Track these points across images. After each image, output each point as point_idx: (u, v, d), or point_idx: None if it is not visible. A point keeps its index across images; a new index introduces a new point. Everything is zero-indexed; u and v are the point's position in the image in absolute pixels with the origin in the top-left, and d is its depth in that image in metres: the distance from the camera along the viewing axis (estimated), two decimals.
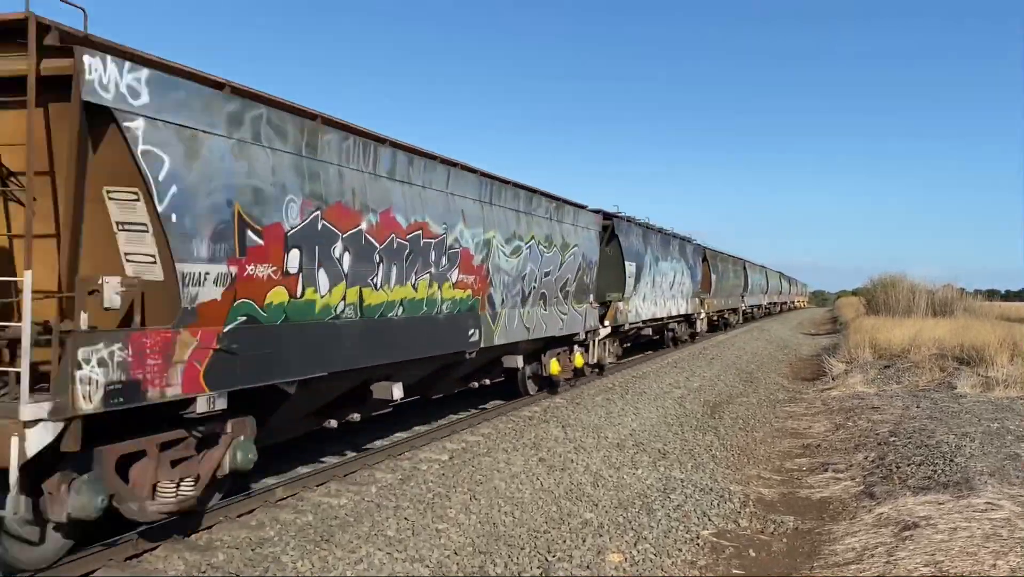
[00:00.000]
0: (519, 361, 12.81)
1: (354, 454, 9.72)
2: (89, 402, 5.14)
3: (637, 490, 8.66)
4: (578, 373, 16.06)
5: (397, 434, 11.06)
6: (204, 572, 5.93)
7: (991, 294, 48.69)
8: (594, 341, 16.47)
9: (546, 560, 6.37)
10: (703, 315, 29.25)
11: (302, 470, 8.91)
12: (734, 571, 6.57)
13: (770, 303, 60.47)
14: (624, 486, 8.79)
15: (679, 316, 25.43)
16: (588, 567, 6.25)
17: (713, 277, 30.80)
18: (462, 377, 11.98)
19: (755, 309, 49.81)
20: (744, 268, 42.21)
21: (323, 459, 9.50)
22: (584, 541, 6.83)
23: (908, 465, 9.65)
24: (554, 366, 14.18)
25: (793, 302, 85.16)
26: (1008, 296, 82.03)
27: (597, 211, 17.02)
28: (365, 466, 9.14)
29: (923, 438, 11.12)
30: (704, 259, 29.88)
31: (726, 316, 37.14)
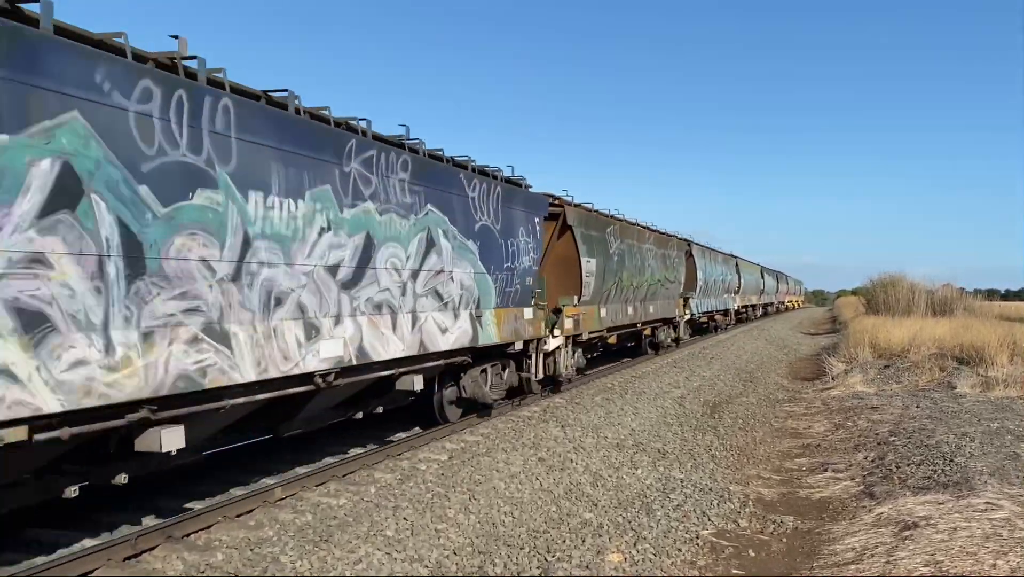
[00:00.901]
0: None
1: (353, 453, 9.71)
2: None
3: (636, 490, 8.65)
4: None
5: (396, 434, 11.05)
6: (203, 572, 5.92)
7: (991, 293, 48.37)
8: None
9: (545, 560, 6.36)
10: (559, 341, 13.99)
11: (300, 470, 8.90)
12: (734, 571, 6.56)
13: (746, 306, 43.94)
14: (623, 486, 8.79)
15: (451, 353, 10.48)
16: (587, 567, 6.24)
17: (589, 267, 15.39)
18: None
19: (716, 316, 33.94)
20: (688, 255, 26.92)
21: (322, 459, 9.50)
22: (584, 541, 6.83)
23: (908, 465, 9.64)
24: None
25: (783, 302, 71.18)
26: (1008, 296, 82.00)
27: None
28: (364, 466, 9.13)
29: (923, 438, 11.11)
30: (563, 228, 14.97)
31: (649, 333, 22.56)
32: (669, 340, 24.53)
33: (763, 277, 52.30)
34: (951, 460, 9.56)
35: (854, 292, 67.31)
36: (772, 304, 61.08)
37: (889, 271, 39.82)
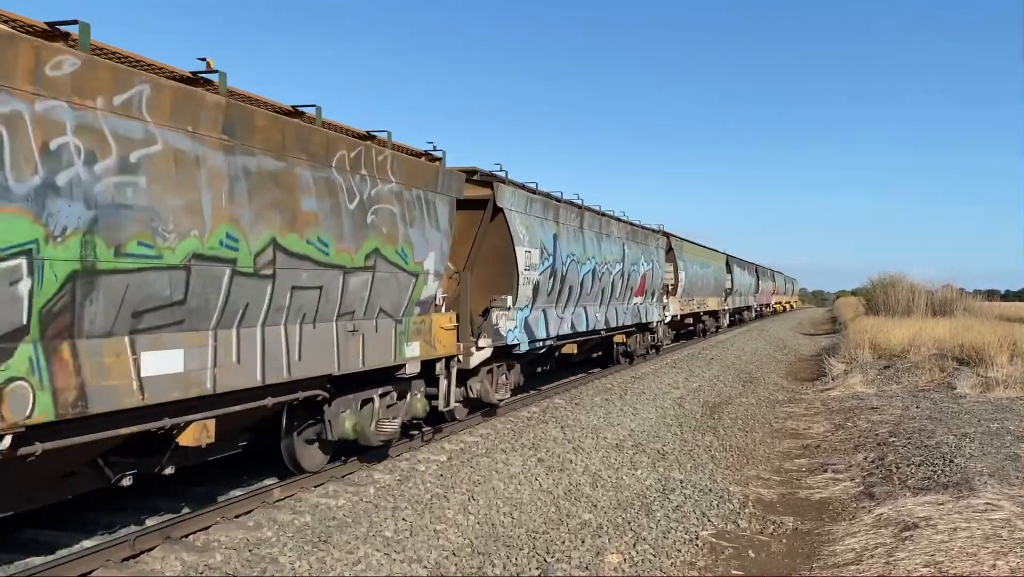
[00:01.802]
0: None
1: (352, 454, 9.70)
2: None
3: (636, 491, 8.64)
4: None
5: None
6: (202, 572, 5.91)
7: (990, 294, 48.27)
8: None
9: (545, 561, 6.35)
10: None
11: None
12: (733, 572, 6.55)
13: (695, 314, 28.82)
14: (623, 487, 8.78)
15: None
16: (587, 568, 6.24)
17: None
18: None
19: (621, 337, 19.18)
20: (492, 211, 11.51)
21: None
22: (583, 542, 6.82)
23: (908, 466, 9.64)
24: None
25: (768, 304, 57.63)
26: (1008, 296, 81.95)
27: None
28: (363, 467, 9.12)
29: (923, 438, 11.11)
30: None
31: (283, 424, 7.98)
32: (403, 422, 9.41)
33: (730, 271, 36.95)
34: (951, 461, 9.56)
35: (854, 292, 67.17)
36: (750, 308, 46.01)
37: (889, 271, 39.85)
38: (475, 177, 11.49)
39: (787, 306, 73.84)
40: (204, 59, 6.32)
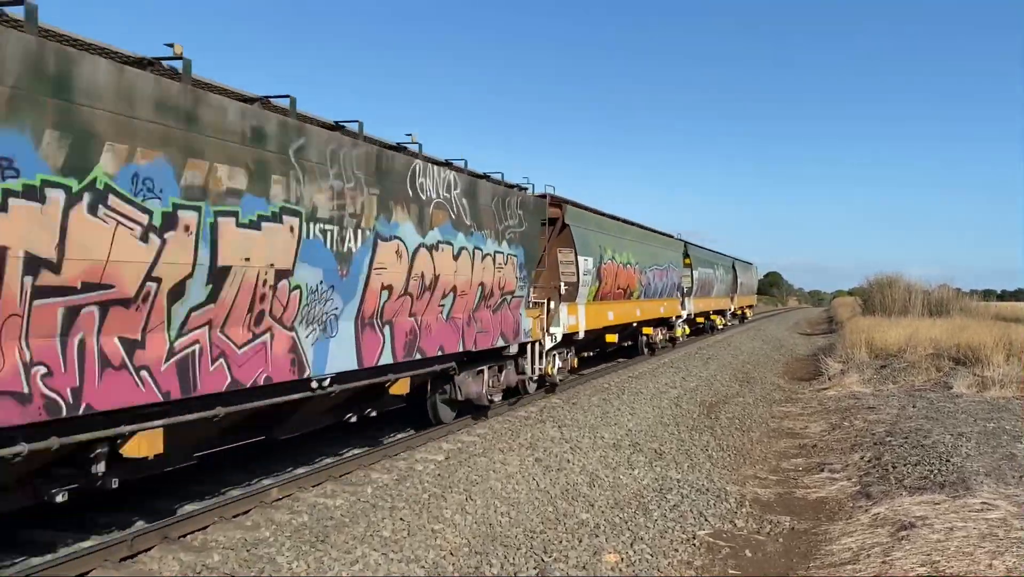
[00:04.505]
0: None
1: (350, 454, 9.71)
2: None
3: (633, 490, 8.65)
4: None
5: (392, 435, 11.05)
6: (199, 572, 5.91)
7: (987, 294, 48.47)
8: None
9: (542, 560, 6.36)
10: None
11: (298, 471, 8.89)
12: (730, 571, 6.56)
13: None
14: (620, 486, 8.79)
15: None
16: (584, 567, 6.24)
17: None
18: None
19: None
20: None
21: (319, 459, 9.49)
22: (580, 541, 6.83)
23: (904, 465, 9.65)
24: None
25: (683, 318, 26.54)
26: (1004, 296, 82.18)
27: None
28: (361, 467, 9.13)
29: (919, 438, 11.13)
30: None
31: None
32: None
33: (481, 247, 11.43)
34: (947, 460, 9.58)
35: (851, 292, 67.22)
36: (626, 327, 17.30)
37: (886, 272, 39.81)
38: None
39: (738, 311, 43.50)
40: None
